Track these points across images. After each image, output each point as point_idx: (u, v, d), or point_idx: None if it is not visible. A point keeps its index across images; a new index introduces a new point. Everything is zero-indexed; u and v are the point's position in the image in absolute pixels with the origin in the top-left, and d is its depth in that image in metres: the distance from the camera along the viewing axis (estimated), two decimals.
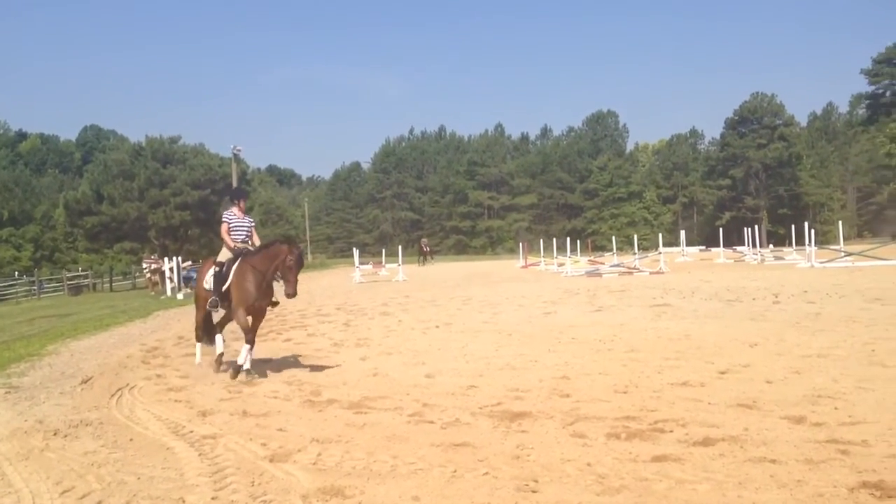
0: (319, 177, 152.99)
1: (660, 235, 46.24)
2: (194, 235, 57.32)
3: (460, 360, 9.92)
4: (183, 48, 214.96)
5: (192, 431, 6.37)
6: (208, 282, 9.66)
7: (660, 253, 35.93)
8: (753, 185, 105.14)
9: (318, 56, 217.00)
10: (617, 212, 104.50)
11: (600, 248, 75.18)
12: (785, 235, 65.76)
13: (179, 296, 29.27)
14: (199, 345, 10.29)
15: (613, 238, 54.69)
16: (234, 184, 45.82)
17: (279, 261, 9.03)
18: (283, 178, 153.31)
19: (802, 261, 32.93)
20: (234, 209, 9.95)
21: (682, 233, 54.86)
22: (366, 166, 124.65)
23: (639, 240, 46.26)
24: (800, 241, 39.28)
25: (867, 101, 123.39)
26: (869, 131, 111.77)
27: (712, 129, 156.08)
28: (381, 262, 40.25)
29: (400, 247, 42.63)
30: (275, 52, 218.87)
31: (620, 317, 14.31)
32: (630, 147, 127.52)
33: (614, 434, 5.65)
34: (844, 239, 39.28)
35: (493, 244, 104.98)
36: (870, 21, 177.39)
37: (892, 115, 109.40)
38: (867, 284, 19.21)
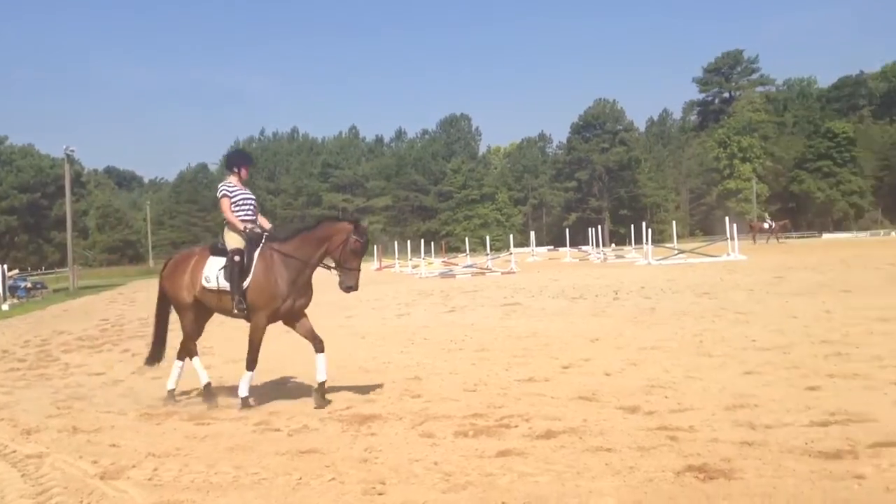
0: (163, 179, 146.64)
1: (511, 236, 47.53)
2: (22, 242, 53.48)
3: (311, 364, 9.73)
4: (10, 43, 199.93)
5: (14, 451, 5.89)
6: (210, 279, 7.24)
7: (511, 253, 36.95)
8: (597, 188, 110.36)
9: (161, 52, 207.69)
10: (470, 213, 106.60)
11: (454, 249, 76.40)
12: (626, 235, 69.30)
13: (4, 306, 27.21)
14: (179, 364, 7.75)
15: (467, 239, 55.68)
16: (67, 185, 43.13)
17: (336, 244, 7.04)
18: (123, 180, 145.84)
19: (641, 259, 34.81)
20: (233, 178, 7.63)
21: (532, 233, 56.71)
22: (213, 168, 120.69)
23: (491, 241, 47.42)
24: (639, 240, 41.47)
25: (698, 108, 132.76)
26: (700, 136, 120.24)
27: (559, 134, 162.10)
28: None
29: None
30: (114, 47, 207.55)
31: (472, 317, 14.57)
32: (482, 150, 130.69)
33: (462, 432, 5.72)
34: (678, 237, 41.92)
35: None
36: (702, 32, 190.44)
37: (720, 121, 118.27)
38: (697, 280, 20.54)
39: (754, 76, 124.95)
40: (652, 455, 4.76)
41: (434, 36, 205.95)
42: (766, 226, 58.94)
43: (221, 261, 7.25)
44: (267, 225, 7.56)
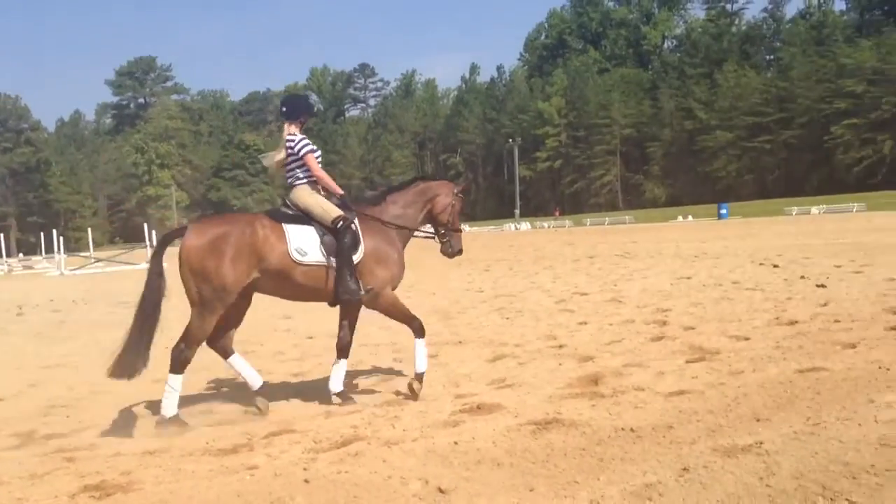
0: None
1: None
2: None
3: None
4: None
5: None
6: (306, 251, 5.72)
7: None
8: (1, 192, 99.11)
9: None
10: None
11: None
12: (36, 243, 63.50)
13: None
14: (178, 379, 5.55)
15: None
16: None
17: (443, 205, 6.36)
18: None
19: (53, 269, 32.24)
20: (297, 129, 6.12)
21: None
22: None
23: None
24: (51, 249, 38.40)
25: (113, 112, 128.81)
26: (116, 141, 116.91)
27: None
28: None
29: None
30: None
31: None
32: None
33: None
34: (97, 245, 40.06)
35: None
36: (114, 33, 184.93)
37: (136, 126, 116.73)
38: (115, 288, 19.84)
39: (169, 84, 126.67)
40: (45, 481, 4.33)
41: None
42: None
43: (307, 230, 5.83)
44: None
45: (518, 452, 4.32)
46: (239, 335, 10.01)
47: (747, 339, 7.44)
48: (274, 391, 6.50)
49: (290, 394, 6.42)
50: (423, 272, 19.18)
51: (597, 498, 3.56)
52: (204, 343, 5.81)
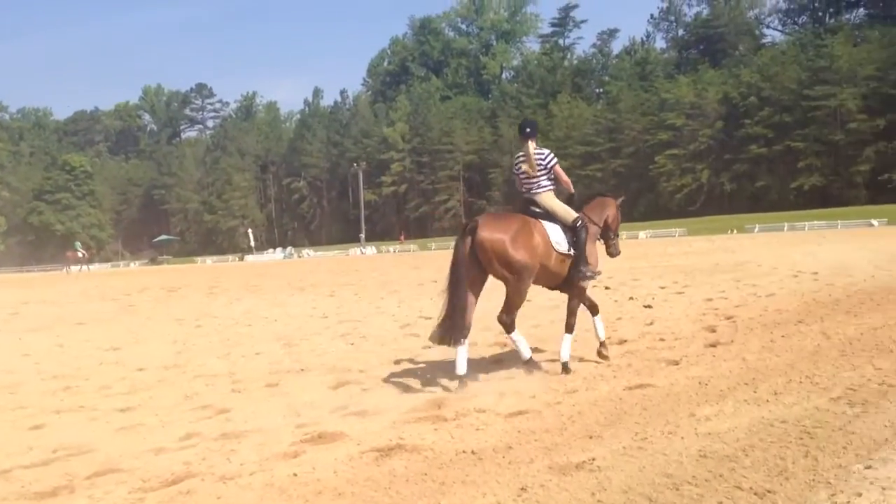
0: None
1: None
2: None
3: None
4: None
5: None
6: (562, 244, 7.05)
7: None
8: None
9: None
10: None
11: None
12: None
13: None
14: (517, 333, 7.08)
15: None
16: None
17: (614, 215, 7.89)
18: None
19: None
20: (534, 144, 7.37)
21: None
22: None
23: None
24: None
25: None
26: None
27: None
28: None
29: None
30: None
31: None
32: None
33: None
34: None
35: None
36: None
37: None
38: None
39: None
40: None
41: None
42: (80, 255, 60.30)
43: (555, 227, 7.13)
44: None
45: (360, 481, 4.27)
46: (62, 369, 9.39)
47: (581, 358, 7.76)
48: (98, 428, 6.09)
49: (115, 430, 6.00)
50: (262, 298, 18.69)
51: None
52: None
